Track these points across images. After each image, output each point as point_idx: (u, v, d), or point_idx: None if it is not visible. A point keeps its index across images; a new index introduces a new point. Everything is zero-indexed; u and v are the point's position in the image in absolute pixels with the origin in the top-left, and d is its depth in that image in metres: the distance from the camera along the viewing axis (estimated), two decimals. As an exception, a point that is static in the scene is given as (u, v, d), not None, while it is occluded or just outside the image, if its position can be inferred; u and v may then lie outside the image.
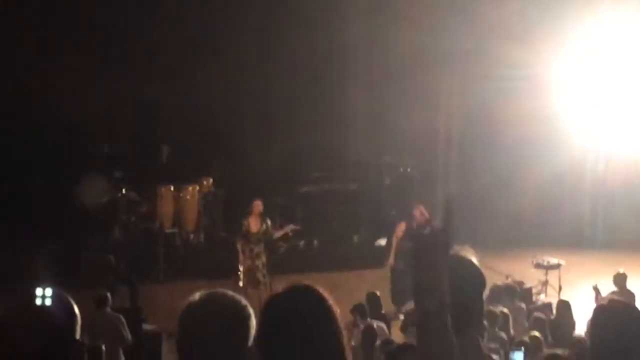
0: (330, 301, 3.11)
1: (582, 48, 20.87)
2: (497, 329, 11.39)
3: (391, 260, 16.37)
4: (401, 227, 16.50)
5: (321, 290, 3.13)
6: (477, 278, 3.52)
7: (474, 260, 3.55)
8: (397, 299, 15.88)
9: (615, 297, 6.58)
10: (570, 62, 20.93)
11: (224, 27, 20.09)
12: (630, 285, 14.65)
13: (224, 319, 3.14)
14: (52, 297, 2.92)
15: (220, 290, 3.26)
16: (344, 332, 3.08)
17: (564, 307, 13.63)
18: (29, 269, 15.80)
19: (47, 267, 16.29)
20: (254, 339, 3.13)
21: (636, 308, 4.25)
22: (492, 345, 10.55)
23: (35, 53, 18.30)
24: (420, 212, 16.46)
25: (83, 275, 16.49)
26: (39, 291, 2.92)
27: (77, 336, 3.02)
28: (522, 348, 7.96)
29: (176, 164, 19.69)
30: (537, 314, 13.14)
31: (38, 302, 2.90)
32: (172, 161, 19.70)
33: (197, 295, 3.21)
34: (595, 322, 4.17)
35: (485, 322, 11.08)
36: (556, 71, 20.89)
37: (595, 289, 14.49)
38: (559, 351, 5.76)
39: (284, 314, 3.06)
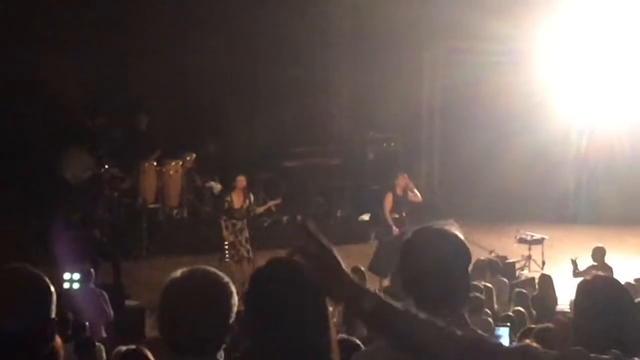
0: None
1: (566, 22, 20.86)
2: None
3: (396, 230, 16.15)
4: (389, 199, 16.48)
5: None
6: (462, 253, 3.50)
7: (459, 234, 3.53)
8: (379, 270, 15.84)
9: (597, 271, 6.56)
10: (553, 37, 20.93)
11: (209, 2, 19.98)
12: (613, 260, 14.74)
13: (206, 295, 3.13)
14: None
15: (202, 266, 3.25)
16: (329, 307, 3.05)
17: (546, 281, 13.69)
18: (11, 244, 15.78)
19: (29, 243, 16.30)
20: (240, 314, 3.11)
21: (619, 282, 4.25)
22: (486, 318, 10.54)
23: (19, 28, 18.18)
24: (404, 180, 16.49)
25: (64, 251, 16.46)
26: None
27: (53, 314, 3.01)
28: (508, 324, 7.97)
29: (159, 138, 19.63)
30: (519, 289, 13.18)
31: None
32: (151, 130, 19.61)
33: (178, 272, 3.20)
34: (579, 296, 4.18)
35: (482, 296, 11.10)
36: (539, 46, 20.88)
37: (573, 262, 14.61)
38: (550, 325, 5.77)
39: (267, 288, 3.02)
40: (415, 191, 16.51)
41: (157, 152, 19.09)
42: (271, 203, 17.93)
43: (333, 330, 3.07)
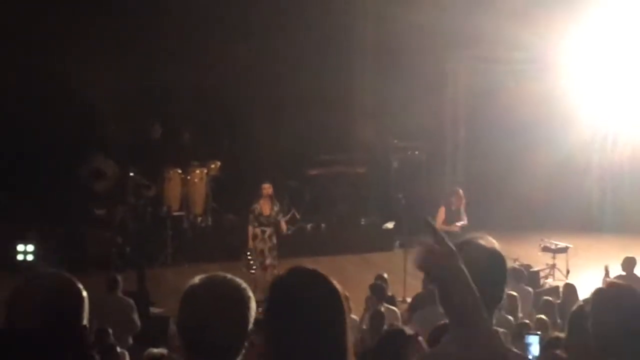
0: (335, 284, 3.05)
1: (589, 30, 20.81)
2: (503, 312, 11.37)
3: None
4: (442, 212, 16.34)
5: (324, 273, 3.09)
6: (499, 264, 3.57)
7: (497, 247, 3.60)
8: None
9: (617, 280, 6.49)
10: (577, 44, 20.88)
11: (232, 8, 20.05)
12: (637, 270, 14.64)
13: (224, 302, 3.14)
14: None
15: (221, 273, 3.26)
16: (349, 315, 3.03)
17: (570, 290, 13.62)
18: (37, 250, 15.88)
19: (55, 250, 16.40)
20: (260, 322, 3.11)
21: (635, 290, 4.22)
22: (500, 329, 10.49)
23: (47, 35, 18.29)
24: (458, 195, 16.40)
25: (90, 258, 16.55)
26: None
27: (85, 321, 3.01)
28: (539, 332, 7.91)
29: (187, 146, 19.71)
30: (546, 297, 13.13)
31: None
32: (192, 144, 19.69)
33: (197, 279, 3.21)
34: (595, 305, 4.16)
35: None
36: (563, 53, 20.84)
37: (606, 269, 14.52)
38: (562, 335, 5.72)
39: (288, 297, 3.03)
40: (464, 215, 16.29)
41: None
42: (292, 214, 17.87)
43: (350, 338, 3.04)
